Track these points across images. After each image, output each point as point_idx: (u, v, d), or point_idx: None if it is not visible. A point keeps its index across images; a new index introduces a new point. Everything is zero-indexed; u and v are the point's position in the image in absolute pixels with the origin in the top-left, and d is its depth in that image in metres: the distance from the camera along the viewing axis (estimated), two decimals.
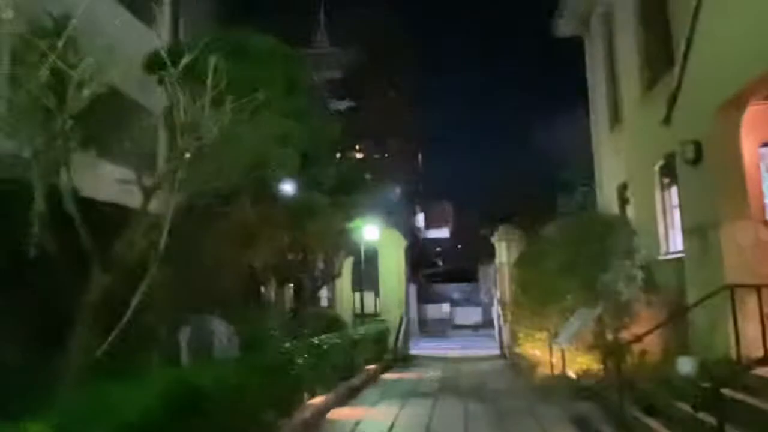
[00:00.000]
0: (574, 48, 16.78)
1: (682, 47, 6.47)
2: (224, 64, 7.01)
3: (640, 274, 8.74)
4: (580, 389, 7.86)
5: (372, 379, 10.64)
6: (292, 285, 17.53)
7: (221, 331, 8.85)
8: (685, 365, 5.87)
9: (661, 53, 10.80)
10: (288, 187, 8.82)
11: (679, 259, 9.73)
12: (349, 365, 9.44)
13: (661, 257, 9.57)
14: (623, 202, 12.60)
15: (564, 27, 15.33)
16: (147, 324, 6.09)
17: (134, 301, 4.08)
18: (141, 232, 4.24)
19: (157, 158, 7.78)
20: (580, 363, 9.25)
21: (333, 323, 10.91)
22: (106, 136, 6.50)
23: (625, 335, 8.65)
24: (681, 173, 7.11)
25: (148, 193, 4.23)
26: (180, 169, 4.19)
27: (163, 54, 6.13)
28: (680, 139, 6.45)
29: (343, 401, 7.99)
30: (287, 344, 6.94)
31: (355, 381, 9.33)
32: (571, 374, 8.79)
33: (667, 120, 7.05)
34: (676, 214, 10.52)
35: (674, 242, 10.34)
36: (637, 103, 12.15)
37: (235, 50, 8.36)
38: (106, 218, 5.14)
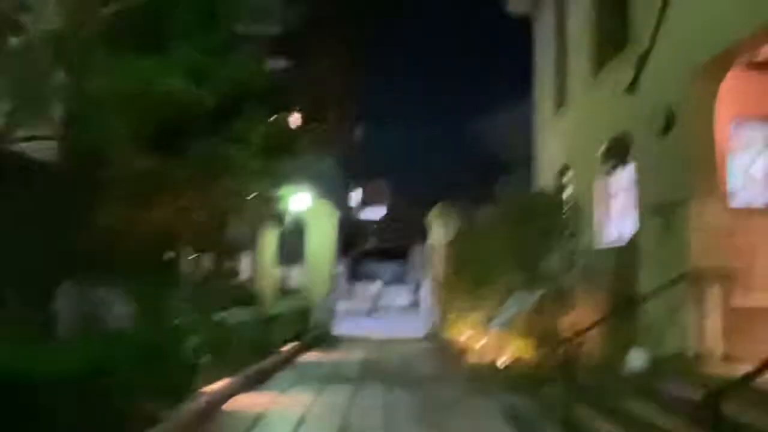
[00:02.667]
0: (524, 30, 16.20)
1: (659, 3, 5.73)
2: None
3: (581, 260, 8.17)
4: (514, 379, 7.19)
5: (288, 360, 9.61)
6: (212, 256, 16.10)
7: (111, 302, 7.55)
8: (636, 359, 5.24)
9: (614, 32, 10.24)
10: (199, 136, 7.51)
11: (616, 248, 9.30)
12: (260, 345, 8.34)
13: (597, 246, 9.11)
14: (561, 187, 12.18)
15: (516, 4, 14.67)
16: None
17: None
18: None
19: None
20: (513, 350, 8.64)
21: (247, 298, 9.74)
22: None
23: (564, 323, 8.09)
24: (642, 147, 6.46)
25: None
26: None
27: None
28: (651, 106, 5.74)
29: (249, 387, 6.91)
30: (179, 320, 5.75)
31: (267, 363, 8.25)
32: (504, 362, 8.13)
33: (632, 86, 6.36)
34: (615, 202, 10.13)
35: (611, 231, 9.94)
36: (585, 85, 11.61)
37: None
38: None
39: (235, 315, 7.56)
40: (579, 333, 5.36)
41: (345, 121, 32.76)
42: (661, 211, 5.64)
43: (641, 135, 7.77)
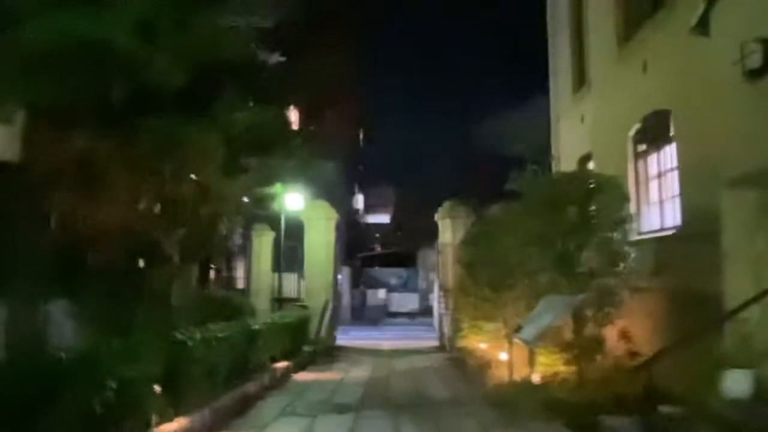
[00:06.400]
0: (532, 13, 15.03)
1: None
2: None
3: (631, 252, 6.73)
4: (554, 404, 5.73)
5: (279, 382, 8.16)
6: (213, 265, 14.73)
7: (59, 319, 6.24)
8: (738, 382, 3.79)
9: None
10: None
11: (659, 238, 7.93)
12: (242, 366, 6.92)
13: (635, 237, 7.72)
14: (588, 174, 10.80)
15: None
16: None
17: None
18: None
19: None
20: (544, 364, 7.17)
21: (230, 310, 8.33)
22: None
23: (610, 332, 6.65)
24: (690, 119, 5.06)
25: None
26: None
27: None
28: (741, 41, 4.29)
29: (219, 424, 5.47)
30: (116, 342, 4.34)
31: (250, 388, 6.82)
32: (537, 380, 6.65)
33: (701, 25, 4.91)
34: (654, 187, 8.79)
35: (649, 220, 8.60)
36: (610, 61, 10.27)
37: None
38: None
39: (212, 330, 6.16)
40: (662, 352, 3.90)
41: (346, 123, 31.48)
42: (758, 181, 4.19)
43: (688, 107, 6.49)
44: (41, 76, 5.18)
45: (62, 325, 5.89)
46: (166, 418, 4.73)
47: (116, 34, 4.76)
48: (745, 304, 3.82)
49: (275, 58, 19.15)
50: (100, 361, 3.77)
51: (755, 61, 4.10)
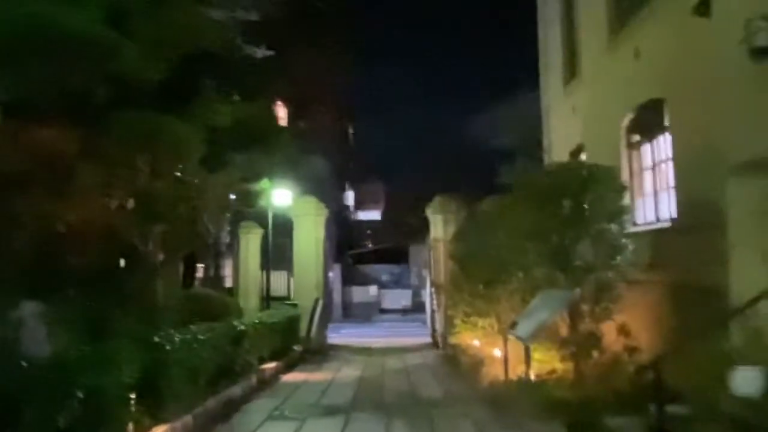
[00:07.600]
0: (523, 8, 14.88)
1: None
2: None
3: (629, 245, 6.52)
4: (553, 403, 5.52)
5: (267, 383, 7.90)
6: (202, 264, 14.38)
7: (32, 323, 5.92)
8: (747, 381, 3.58)
9: None
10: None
11: (655, 231, 7.76)
12: (227, 368, 6.65)
13: (630, 229, 7.53)
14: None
15: None
16: None
17: None
18: None
19: None
20: (540, 361, 6.96)
21: (216, 309, 8.03)
22: None
23: (606, 327, 6.44)
24: (686, 109, 4.86)
25: None
26: None
27: None
28: (745, 19, 4.05)
29: (203, 429, 5.20)
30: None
31: (236, 391, 6.55)
32: (533, 377, 6.44)
33: (702, 6, 4.68)
34: (647, 178, 8.63)
35: (643, 212, 8.44)
36: (601, 51, 10.09)
37: None
38: None
39: (192, 332, 5.88)
40: (670, 350, 3.70)
41: (336, 119, 31.09)
42: (762, 169, 3.97)
43: (684, 94, 6.32)
44: (5, 68, 4.88)
45: (35, 331, 5.59)
46: (143, 427, 4.45)
47: (86, 24, 4.45)
48: (759, 297, 3.60)
49: (262, 51, 18.73)
50: (65, 370, 3.49)
51: (762, 39, 3.88)
